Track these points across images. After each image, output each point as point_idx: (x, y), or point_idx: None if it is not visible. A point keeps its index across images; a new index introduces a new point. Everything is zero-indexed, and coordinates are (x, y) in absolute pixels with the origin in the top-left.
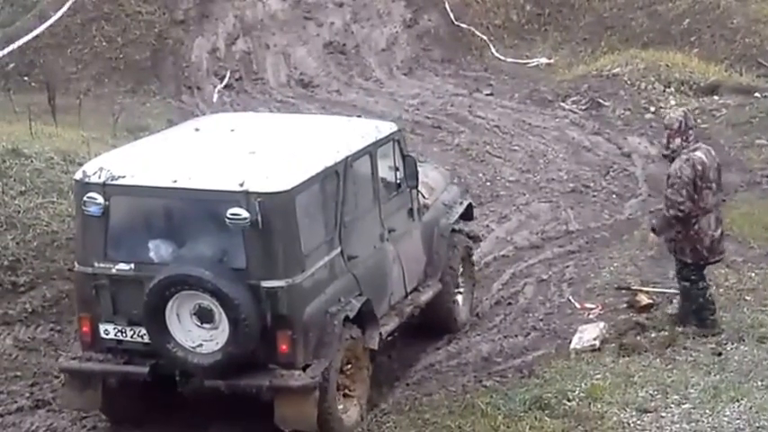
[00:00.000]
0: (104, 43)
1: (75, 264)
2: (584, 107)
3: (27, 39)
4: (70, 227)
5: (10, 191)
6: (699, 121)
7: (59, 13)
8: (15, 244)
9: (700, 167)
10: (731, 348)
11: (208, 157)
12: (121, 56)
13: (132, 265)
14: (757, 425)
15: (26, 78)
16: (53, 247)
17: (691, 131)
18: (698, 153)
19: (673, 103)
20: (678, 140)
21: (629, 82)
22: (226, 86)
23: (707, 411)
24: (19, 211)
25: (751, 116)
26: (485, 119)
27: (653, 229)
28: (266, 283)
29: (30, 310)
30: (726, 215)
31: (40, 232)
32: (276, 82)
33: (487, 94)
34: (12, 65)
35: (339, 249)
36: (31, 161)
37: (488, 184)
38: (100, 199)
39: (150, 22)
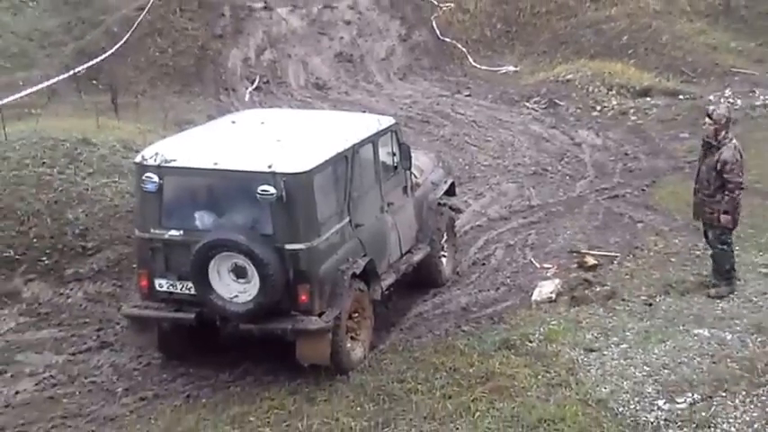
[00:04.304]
0: (157, 53)
1: (135, 230)
2: (543, 106)
3: (103, 57)
4: (129, 202)
5: (81, 172)
6: (634, 117)
7: (128, 34)
8: (85, 216)
9: (741, 153)
10: (659, 300)
11: (242, 144)
12: (171, 63)
13: (181, 232)
14: (679, 360)
15: (94, 82)
16: (115, 218)
17: (731, 124)
18: (735, 141)
19: (614, 102)
20: (723, 132)
21: (579, 86)
22: (255, 88)
23: (640, 350)
24: (88, 189)
25: (676, 114)
26: (464, 115)
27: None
28: (289, 246)
29: (96, 269)
30: (655, 194)
31: (105, 206)
32: (296, 85)
33: (466, 95)
34: (82, 71)
35: (348, 219)
36: (98, 149)
37: (467, 167)
38: (155, 178)
39: (195, 36)
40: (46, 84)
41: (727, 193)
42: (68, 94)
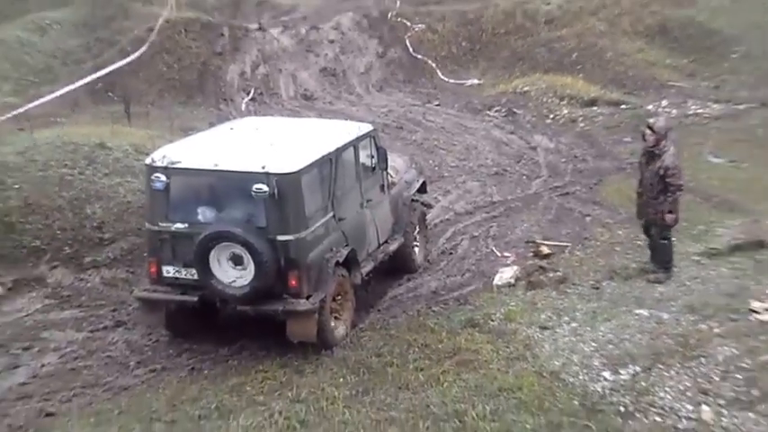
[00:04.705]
0: (165, 69)
1: (146, 223)
2: (503, 114)
3: (114, 67)
4: (140, 198)
5: (98, 173)
6: (582, 124)
7: (139, 52)
8: (101, 211)
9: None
10: (605, 284)
11: (239, 148)
12: (177, 77)
13: (186, 225)
14: (622, 337)
15: (110, 94)
16: (128, 212)
17: (669, 133)
18: (673, 148)
19: (565, 111)
20: (664, 142)
21: (534, 97)
22: (251, 99)
23: (588, 328)
24: (104, 187)
25: (619, 121)
26: (434, 122)
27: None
28: (281, 237)
29: (112, 257)
30: (601, 191)
31: (119, 202)
32: (287, 96)
33: (436, 105)
34: (99, 84)
35: (332, 213)
36: (113, 152)
37: (436, 168)
38: (163, 177)
39: (198, 53)
40: (61, 91)
41: (669, 194)
42: (88, 105)
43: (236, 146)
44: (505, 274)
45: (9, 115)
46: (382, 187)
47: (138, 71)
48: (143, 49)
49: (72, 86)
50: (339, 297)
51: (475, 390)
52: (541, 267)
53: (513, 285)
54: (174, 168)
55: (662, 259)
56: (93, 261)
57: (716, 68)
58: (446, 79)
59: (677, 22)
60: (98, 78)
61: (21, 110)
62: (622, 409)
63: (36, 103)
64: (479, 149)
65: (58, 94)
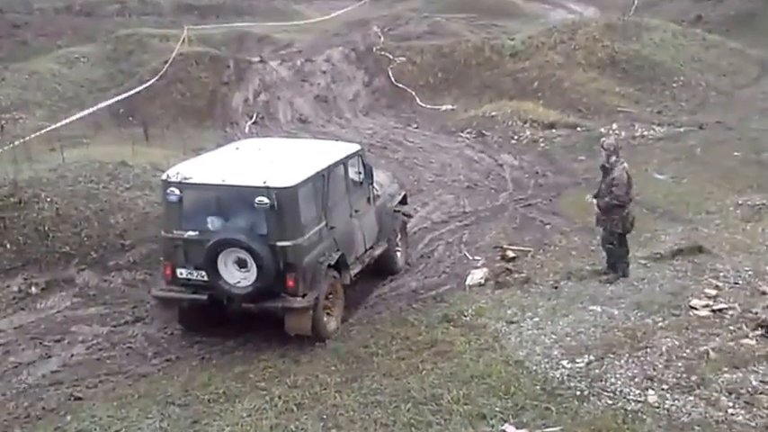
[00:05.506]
0: (179, 96)
1: (162, 231)
2: (474, 136)
3: (133, 92)
4: (157, 210)
5: (120, 187)
6: (543, 144)
7: (154, 79)
8: (123, 220)
9: (628, 174)
10: (563, 284)
11: (243, 165)
12: (189, 104)
13: (197, 232)
14: (578, 330)
15: (130, 118)
16: (146, 221)
17: (619, 151)
18: (625, 164)
19: (528, 133)
20: (614, 158)
21: (501, 120)
22: (253, 123)
23: (549, 323)
24: (125, 200)
25: (575, 142)
26: (413, 143)
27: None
28: (280, 243)
29: (132, 261)
30: (560, 203)
31: (139, 213)
32: (284, 120)
33: (415, 128)
34: (122, 110)
35: (325, 222)
36: (133, 169)
37: (415, 183)
38: (177, 191)
39: (207, 83)
40: (84, 112)
41: (613, 201)
42: (111, 128)
43: (241, 163)
44: (476, 276)
45: (37, 134)
46: (368, 199)
47: (155, 98)
48: (157, 77)
49: (93, 108)
50: (331, 295)
51: (450, 377)
52: (508, 269)
53: (483, 285)
54: (186, 183)
55: (610, 261)
56: (116, 264)
57: (659, 96)
58: (424, 105)
59: (625, 55)
60: (120, 104)
61: (49, 129)
62: (579, 393)
63: (62, 123)
64: (453, 166)
65: (81, 114)
